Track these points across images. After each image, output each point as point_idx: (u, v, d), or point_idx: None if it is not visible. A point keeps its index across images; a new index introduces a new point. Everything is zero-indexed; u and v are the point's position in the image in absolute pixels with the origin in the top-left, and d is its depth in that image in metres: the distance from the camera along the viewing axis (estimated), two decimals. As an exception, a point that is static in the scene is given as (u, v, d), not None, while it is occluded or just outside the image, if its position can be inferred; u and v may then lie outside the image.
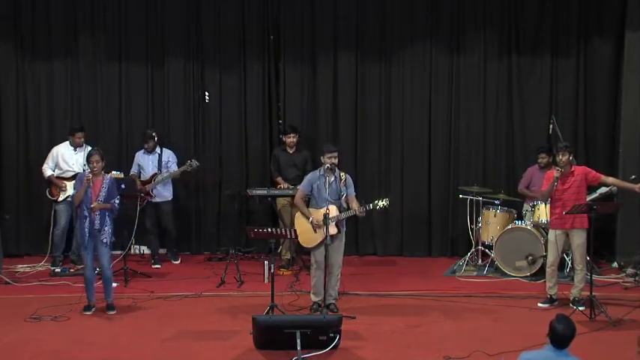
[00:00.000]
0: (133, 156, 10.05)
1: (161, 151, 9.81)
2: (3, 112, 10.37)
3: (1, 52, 10.35)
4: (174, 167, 9.82)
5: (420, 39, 10.34)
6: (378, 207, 7.58)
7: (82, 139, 9.59)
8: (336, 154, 7.63)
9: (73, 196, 7.94)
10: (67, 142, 9.65)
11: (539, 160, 9.49)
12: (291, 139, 9.69)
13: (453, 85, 10.36)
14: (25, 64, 10.36)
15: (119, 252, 8.95)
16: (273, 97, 10.50)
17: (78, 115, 10.36)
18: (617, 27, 9.97)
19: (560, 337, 4.52)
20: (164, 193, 9.80)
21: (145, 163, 9.80)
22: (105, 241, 7.55)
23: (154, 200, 9.72)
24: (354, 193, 7.75)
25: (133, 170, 9.83)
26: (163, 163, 9.76)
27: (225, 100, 10.50)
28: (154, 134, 9.79)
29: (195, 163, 9.64)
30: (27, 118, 10.39)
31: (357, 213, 7.56)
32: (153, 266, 9.69)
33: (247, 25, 10.40)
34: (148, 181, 9.70)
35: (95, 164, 7.51)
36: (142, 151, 9.84)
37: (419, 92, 10.40)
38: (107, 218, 7.56)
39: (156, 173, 9.72)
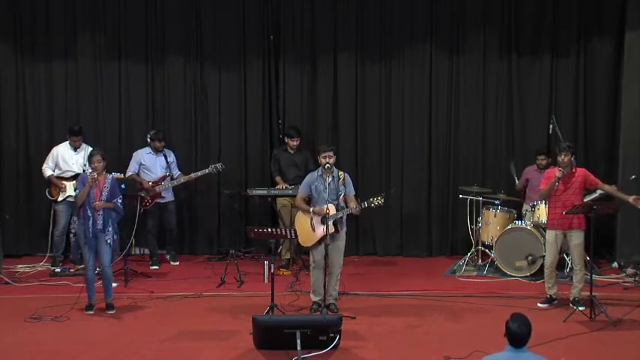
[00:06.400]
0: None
1: (164, 152, 9.79)
2: (3, 112, 10.35)
3: (1, 52, 10.34)
4: (176, 169, 9.82)
5: (420, 39, 10.34)
6: (372, 205, 7.59)
7: (80, 143, 9.58)
8: (330, 153, 7.62)
9: (75, 197, 7.93)
10: (67, 143, 9.64)
11: (538, 162, 9.50)
12: (294, 142, 9.66)
13: (453, 85, 10.37)
14: (25, 64, 10.34)
15: (119, 252, 8.93)
16: (273, 97, 10.49)
17: (77, 115, 10.36)
18: (617, 27, 9.98)
19: (517, 335, 4.54)
20: (169, 194, 9.80)
21: (152, 163, 9.70)
22: (109, 241, 7.56)
23: (161, 201, 9.72)
24: (353, 192, 7.76)
25: (133, 170, 9.71)
26: (169, 163, 9.75)
27: (225, 100, 10.50)
28: (165, 135, 9.82)
29: (220, 165, 9.63)
30: (26, 118, 10.38)
31: (353, 211, 7.56)
32: (151, 267, 9.68)
33: (247, 25, 10.39)
34: (158, 182, 9.65)
35: (97, 164, 7.51)
36: (146, 150, 9.76)
37: (419, 92, 10.40)
38: (110, 219, 7.57)
39: (166, 175, 9.70)
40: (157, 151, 9.73)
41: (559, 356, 6.14)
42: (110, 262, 7.68)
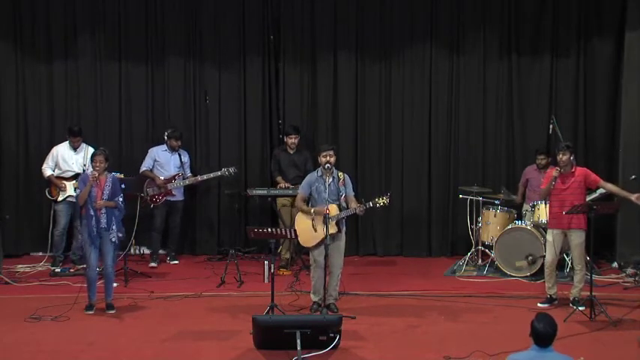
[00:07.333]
0: (134, 156, 10.05)
1: (179, 151, 9.83)
2: (3, 112, 10.36)
3: (1, 52, 10.35)
4: (188, 170, 9.89)
5: (420, 39, 10.35)
6: (377, 205, 7.60)
7: (79, 143, 9.58)
8: (331, 152, 7.63)
9: (76, 197, 7.94)
10: (67, 143, 9.64)
11: (538, 162, 9.50)
12: (292, 139, 9.68)
13: (453, 85, 10.37)
14: (25, 64, 10.35)
15: (120, 252, 8.93)
16: (273, 97, 10.49)
17: (77, 116, 10.36)
18: (617, 27, 9.98)
19: (542, 335, 4.55)
20: (179, 193, 9.87)
21: (167, 161, 9.77)
22: (113, 240, 7.58)
23: (171, 199, 9.78)
24: (353, 193, 7.76)
25: (147, 166, 9.77)
26: (182, 163, 9.81)
27: (224, 100, 10.50)
28: (182, 134, 9.87)
29: (233, 170, 9.67)
30: (27, 118, 10.39)
31: (357, 211, 7.57)
32: (150, 265, 9.69)
33: (247, 25, 10.40)
34: (169, 180, 9.70)
35: (98, 164, 7.52)
36: (162, 147, 9.82)
37: (419, 92, 10.40)
38: (113, 216, 7.58)
39: (179, 174, 9.75)
40: (172, 149, 9.77)
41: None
42: (113, 261, 7.69)
